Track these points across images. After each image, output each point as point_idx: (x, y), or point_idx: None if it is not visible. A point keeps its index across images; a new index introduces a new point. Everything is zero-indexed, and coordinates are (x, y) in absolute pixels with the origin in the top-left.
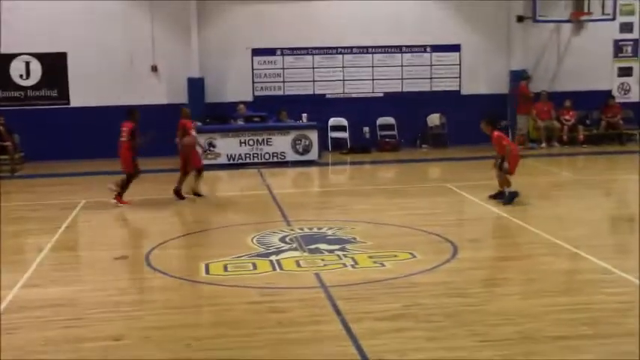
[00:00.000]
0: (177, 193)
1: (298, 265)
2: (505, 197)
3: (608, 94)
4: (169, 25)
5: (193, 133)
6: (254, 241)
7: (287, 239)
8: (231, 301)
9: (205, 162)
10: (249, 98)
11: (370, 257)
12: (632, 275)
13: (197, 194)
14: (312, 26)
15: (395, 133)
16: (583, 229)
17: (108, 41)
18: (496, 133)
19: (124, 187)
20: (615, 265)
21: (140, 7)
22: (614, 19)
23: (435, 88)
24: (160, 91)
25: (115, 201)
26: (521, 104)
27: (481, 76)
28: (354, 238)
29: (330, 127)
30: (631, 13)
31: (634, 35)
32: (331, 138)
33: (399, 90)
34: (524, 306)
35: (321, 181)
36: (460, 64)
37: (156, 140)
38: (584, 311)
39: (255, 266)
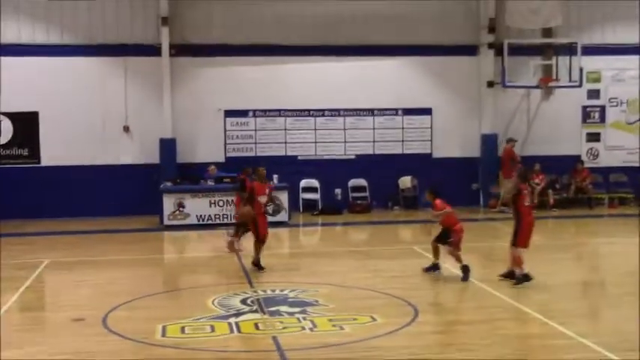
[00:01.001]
0: (256, 264)
1: (257, 327)
2: (464, 274)
3: (577, 159)
4: (143, 84)
5: (261, 199)
6: (215, 303)
7: (248, 301)
8: None
9: (174, 222)
10: (221, 159)
11: (330, 320)
12: (590, 340)
13: (258, 265)
14: (285, 88)
15: (366, 194)
16: (547, 293)
17: (81, 100)
18: (438, 201)
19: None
20: (574, 330)
21: (114, 66)
22: (580, 85)
23: (406, 151)
24: (133, 151)
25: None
26: (507, 168)
27: (452, 139)
28: (317, 301)
29: (302, 188)
30: (597, 80)
31: (601, 102)
32: (302, 199)
33: (371, 152)
34: None
35: (290, 242)
36: (432, 128)
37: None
38: None
39: (213, 328)
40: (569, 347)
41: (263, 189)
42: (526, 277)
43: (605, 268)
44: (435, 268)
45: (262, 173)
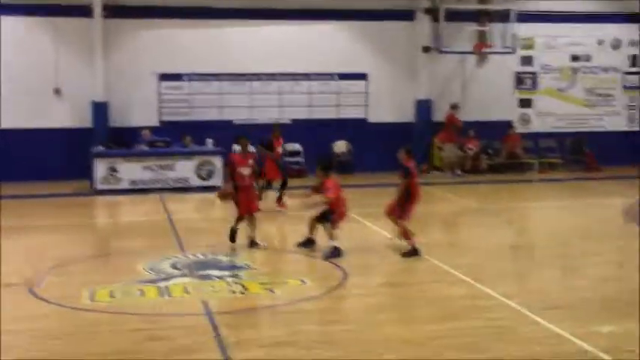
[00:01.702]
0: (251, 242)
1: (186, 291)
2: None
3: (509, 125)
4: (74, 46)
5: (244, 171)
6: (145, 267)
7: (179, 265)
8: (112, 329)
9: (107, 187)
10: (155, 123)
11: (261, 284)
12: (514, 301)
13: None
14: (220, 52)
15: (301, 159)
16: (475, 255)
17: (8, 61)
18: (330, 182)
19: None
20: (500, 291)
21: (43, 27)
22: (514, 52)
23: (341, 116)
24: (64, 114)
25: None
26: (448, 133)
27: (387, 104)
28: (248, 265)
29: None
30: (530, 47)
31: (533, 68)
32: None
33: (306, 117)
34: (407, 332)
35: (223, 206)
36: (367, 92)
37: None
38: (464, 336)
39: (142, 292)
40: (494, 307)
41: (244, 160)
42: (416, 251)
43: (534, 231)
44: (309, 243)
45: (243, 143)
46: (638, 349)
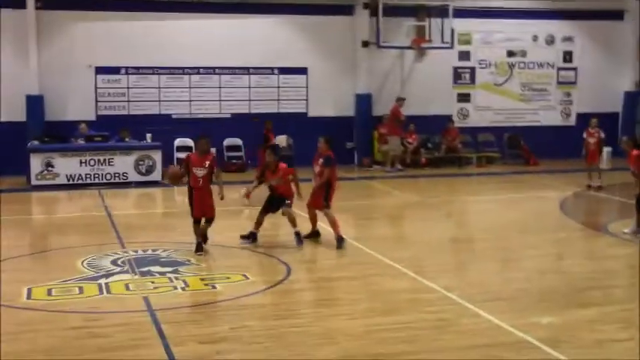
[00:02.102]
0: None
1: (127, 288)
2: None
3: (448, 119)
4: (6, 38)
5: (198, 172)
6: (84, 264)
7: (119, 262)
8: (51, 327)
9: (43, 182)
10: (92, 117)
11: (202, 280)
12: (454, 294)
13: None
14: (159, 46)
15: (242, 154)
16: (416, 249)
17: None
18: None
19: None
20: (441, 284)
21: None
22: (452, 47)
23: (282, 110)
24: None
25: None
26: (392, 126)
27: (327, 98)
28: (189, 260)
29: (176, 147)
30: (468, 42)
31: (471, 63)
32: (177, 158)
33: (247, 111)
34: (349, 326)
35: (164, 202)
36: (307, 87)
37: None
38: (405, 329)
39: (81, 290)
40: (435, 300)
41: (201, 161)
42: (343, 240)
43: (473, 224)
44: (252, 237)
45: (202, 143)
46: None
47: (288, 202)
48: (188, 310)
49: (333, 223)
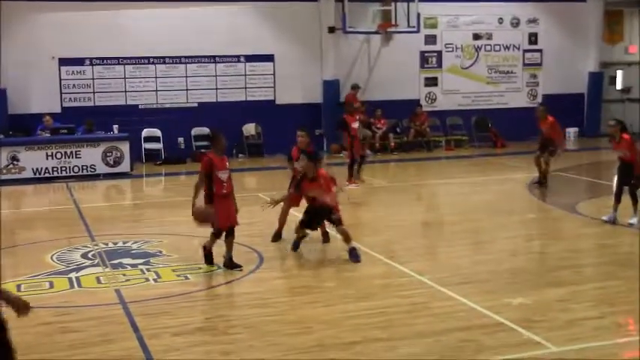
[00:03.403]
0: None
1: (99, 281)
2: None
3: (416, 103)
4: None
5: (222, 176)
6: (54, 258)
7: (89, 255)
8: (21, 324)
9: (8, 176)
10: (57, 110)
11: (174, 271)
12: (427, 277)
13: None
14: (123, 36)
15: (210, 143)
16: (388, 234)
17: None
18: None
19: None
20: (413, 268)
21: None
22: (418, 31)
23: (249, 98)
24: None
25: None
26: (347, 113)
27: (295, 85)
28: (160, 252)
29: (144, 138)
30: (434, 26)
31: (438, 47)
32: (145, 149)
33: (214, 100)
34: (323, 313)
35: (133, 193)
36: (274, 74)
37: None
38: (379, 315)
39: (51, 285)
40: (407, 284)
41: (222, 162)
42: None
43: (443, 207)
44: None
45: (221, 140)
46: None
47: (335, 216)
48: (161, 301)
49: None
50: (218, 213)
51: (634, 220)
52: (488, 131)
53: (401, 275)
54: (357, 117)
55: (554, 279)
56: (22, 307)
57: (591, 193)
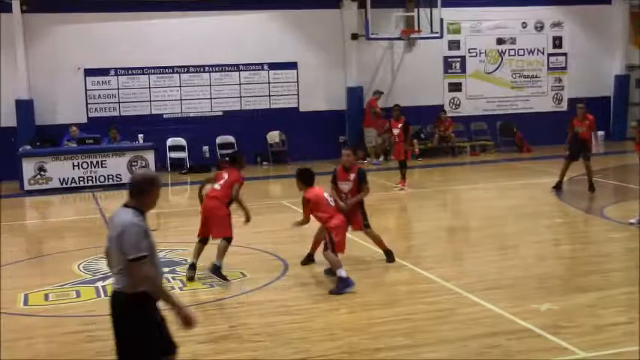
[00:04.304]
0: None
1: None
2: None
3: (440, 109)
4: None
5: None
6: (81, 267)
7: None
8: (48, 333)
9: (36, 187)
10: (84, 120)
11: (199, 279)
12: (452, 283)
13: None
14: (147, 45)
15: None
16: (413, 240)
17: None
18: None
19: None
20: (438, 274)
21: None
22: (441, 36)
23: (273, 106)
24: None
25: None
26: (368, 118)
27: (319, 93)
28: (186, 260)
29: (169, 147)
30: (457, 31)
31: (461, 52)
32: (170, 158)
33: (238, 108)
34: (348, 320)
35: (158, 202)
36: (298, 82)
37: None
38: (404, 322)
39: (78, 294)
40: (433, 290)
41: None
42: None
43: (468, 213)
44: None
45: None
46: None
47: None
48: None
49: (379, 241)
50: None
51: (634, 220)
52: (513, 136)
53: (426, 281)
54: (399, 123)
55: (582, 284)
56: (188, 321)
57: (618, 197)
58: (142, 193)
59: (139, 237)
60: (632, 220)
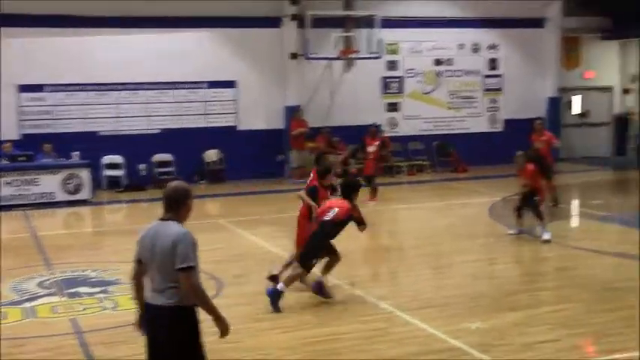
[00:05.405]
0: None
1: (54, 311)
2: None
3: (372, 125)
4: None
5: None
6: (8, 288)
7: (46, 284)
8: None
9: None
10: (16, 137)
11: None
12: (387, 303)
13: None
14: (83, 62)
15: (172, 169)
16: (349, 259)
17: None
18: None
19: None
20: (373, 293)
21: None
22: (380, 57)
23: (212, 124)
24: None
25: None
26: (294, 139)
27: (257, 111)
28: (119, 280)
29: (105, 164)
30: (396, 52)
31: (399, 73)
32: (105, 176)
33: (176, 126)
34: (282, 339)
35: (92, 221)
36: (236, 100)
37: None
38: (338, 341)
39: (5, 316)
40: (367, 310)
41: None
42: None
43: (404, 232)
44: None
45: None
46: None
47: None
48: (118, 330)
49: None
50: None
51: (547, 236)
52: (449, 156)
53: (361, 301)
54: (376, 142)
55: (512, 303)
56: (226, 332)
57: (550, 217)
58: (180, 205)
59: (192, 247)
60: (510, 232)
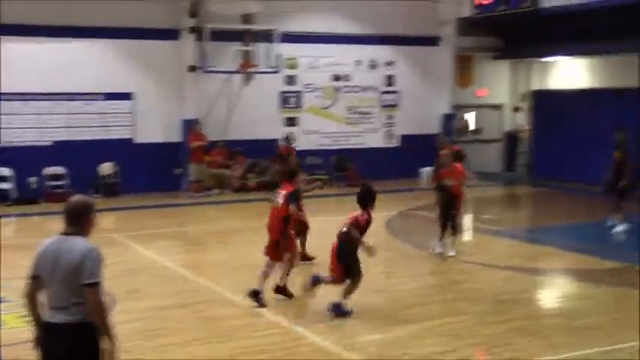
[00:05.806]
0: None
1: None
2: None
3: (276, 143)
4: None
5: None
6: None
7: None
8: None
9: None
10: None
11: (21, 317)
12: (283, 318)
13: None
14: None
15: (65, 182)
16: (244, 274)
17: None
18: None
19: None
20: (268, 308)
21: None
22: (278, 71)
23: (107, 137)
24: None
25: None
26: (192, 152)
27: (154, 124)
28: (5, 297)
29: None
30: (294, 67)
31: (297, 88)
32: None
33: (70, 138)
34: (180, 355)
35: None
36: (133, 113)
37: None
38: (238, 355)
39: None
40: (262, 325)
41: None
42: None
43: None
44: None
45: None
46: None
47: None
48: (6, 349)
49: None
50: None
51: (453, 252)
52: (347, 171)
53: (256, 315)
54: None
55: (408, 316)
56: (112, 350)
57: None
58: (82, 220)
59: (99, 263)
60: (437, 250)
